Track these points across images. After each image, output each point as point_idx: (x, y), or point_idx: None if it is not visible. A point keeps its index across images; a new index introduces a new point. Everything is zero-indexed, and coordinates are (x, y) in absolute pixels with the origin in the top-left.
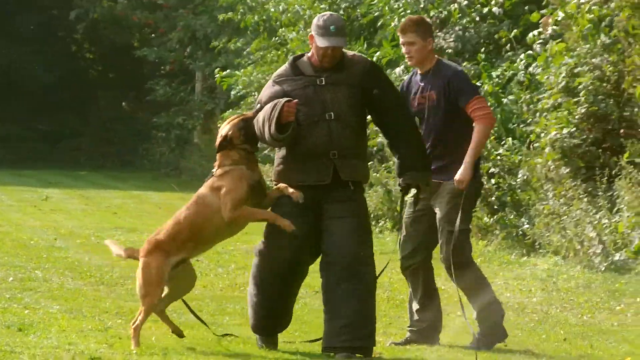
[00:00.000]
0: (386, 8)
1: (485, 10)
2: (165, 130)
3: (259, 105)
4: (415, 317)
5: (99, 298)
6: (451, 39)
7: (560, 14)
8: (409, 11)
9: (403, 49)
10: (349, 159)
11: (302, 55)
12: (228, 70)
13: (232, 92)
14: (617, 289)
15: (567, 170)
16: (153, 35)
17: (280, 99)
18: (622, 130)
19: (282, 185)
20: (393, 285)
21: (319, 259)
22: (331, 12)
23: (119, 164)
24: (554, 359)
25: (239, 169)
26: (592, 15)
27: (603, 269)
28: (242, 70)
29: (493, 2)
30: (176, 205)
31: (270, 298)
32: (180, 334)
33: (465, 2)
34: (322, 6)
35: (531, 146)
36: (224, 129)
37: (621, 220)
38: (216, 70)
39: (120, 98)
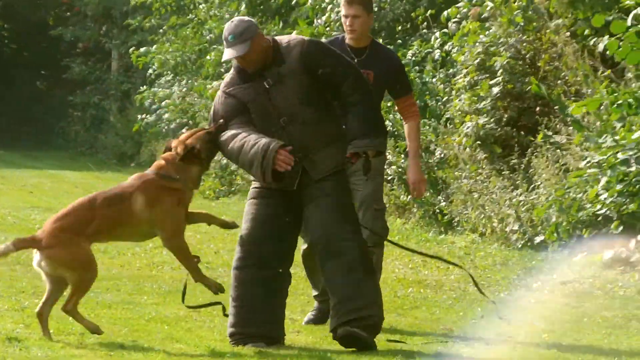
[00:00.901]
0: None
1: None
2: (81, 109)
3: (221, 120)
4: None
5: (15, 278)
6: None
7: (490, 4)
8: None
9: (346, 22)
10: (317, 154)
11: None
12: (143, 49)
13: (149, 72)
14: (533, 266)
15: (485, 155)
16: (69, 13)
17: (272, 144)
18: (537, 109)
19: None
20: None
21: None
22: (233, 19)
23: (35, 143)
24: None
25: (187, 192)
26: (521, 2)
27: (520, 246)
28: (155, 47)
29: None
30: (92, 184)
31: (247, 286)
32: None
33: None
34: None
35: (447, 124)
36: (190, 140)
37: (538, 198)
38: (131, 50)
39: (35, 76)
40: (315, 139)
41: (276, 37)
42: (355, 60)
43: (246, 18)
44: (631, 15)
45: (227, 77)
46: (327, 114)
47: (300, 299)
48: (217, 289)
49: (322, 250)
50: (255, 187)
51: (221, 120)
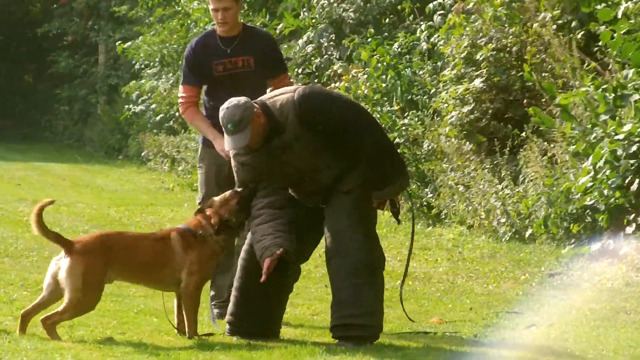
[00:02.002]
0: None
1: None
2: (67, 103)
3: (251, 185)
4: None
5: (3, 270)
6: (351, 10)
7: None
8: None
9: (217, 15)
10: (345, 179)
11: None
12: (130, 42)
13: (136, 65)
14: (521, 259)
15: (470, 146)
16: (55, 5)
17: (273, 250)
18: (525, 101)
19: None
20: None
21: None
22: (227, 105)
23: (20, 137)
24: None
25: (218, 250)
26: None
27: (507, 238)
28: (140, 38)
29: None
30: (79, 177)
31: (253, 287)
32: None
33: None
34: None
35: (434, 117)
36: (222, 210)
37: (525, 191)
38: (118, 45)
39: (21, 70)
40: (340, 172)
41: (265, 102)
42: (229, 50)
43: (240, 101)
44: (621, 7)
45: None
46: (342, 153)
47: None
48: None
49: (331, 246)
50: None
51: (250, 185)
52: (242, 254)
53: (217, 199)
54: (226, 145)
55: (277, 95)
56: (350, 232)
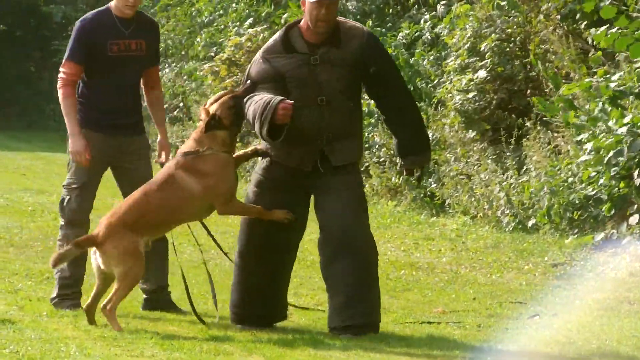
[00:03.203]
0: None
1: None
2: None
3: (248, 82)
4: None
5: (8, 260)
6: (352, 2)
7: None
8: None
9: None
10: (339, 142)
11: (294, 25)
12: None
13: None
14: (524, 249)
15: (474, 133)
16: None
17: (274, 98)
18: (528, 91)
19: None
20: (304, 246)
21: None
22: None
23: (24, 125)
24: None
25: (224, 156)
26: None
27: (511, 229)
28: None
29: None
30: None
31: (252, 273)
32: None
33: None
34: None
35: (438, 107)
36: (212, 107)
37: (529, 181)
38: None
39: (25, 57)
40: (342, 128)
41: (339, 18)
42: (127, 32)
43: None
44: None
45: (269, 43)
46: (356, 110)
47: (293, 282)
48: (287, 217)
49: (337, 245)
50: (263, 177)
51: (248, 82)
52: (239, 249)
53: (211, 97)
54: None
55: (348, 21)
56: (358, 227)
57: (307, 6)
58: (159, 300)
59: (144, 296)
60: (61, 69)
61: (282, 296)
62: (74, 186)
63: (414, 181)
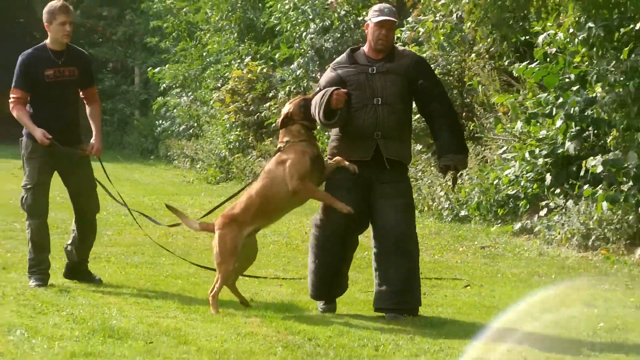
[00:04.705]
0: (283, 18)
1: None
2: (110, 114)
3: (318, 88)
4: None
5: (63, 245)
6: (330, 41)
7: (421, 30)
8: (300, 19)
9: (64, 28)
10: (392, 140)
11: (358, 47)
12: (158, 68)
13: (163, 85)
14: (460, 235)
15: (421, 146)
16: (100, 39)
17: (330, 88)
18: (464, 114)
19: (338, 158)
20: (290, 233)
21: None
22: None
23: None
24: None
25: (300, 144)
26: (445, 30)
27: (449, 220)
28: (167, 66)
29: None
30: (121, 173)
31: (326, 263)
32: (246, 304)
33: (343, 13)
34: (232, 15)
35: None
36: (286, 107)
37: (463, 183)
38: (149, 70)
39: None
40: (395, 128)
41: (396, 45)
42: (59, 62)
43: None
44: (540, 38)
45: (337, 59)
46: (407, 114)
47: (282, 260)
48: (347, 210)
49: (392, 245)
50: (339, 178)
51: (318, 88)
52: (310, 240)
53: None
54: (380, 17)
55: (403, 48)
56: (410, 233)
57: (371, 27)
58: (80, 270)
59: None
60: (11, 95)
61: (345, 276)
62: (29, 186)
63: (449, 184)
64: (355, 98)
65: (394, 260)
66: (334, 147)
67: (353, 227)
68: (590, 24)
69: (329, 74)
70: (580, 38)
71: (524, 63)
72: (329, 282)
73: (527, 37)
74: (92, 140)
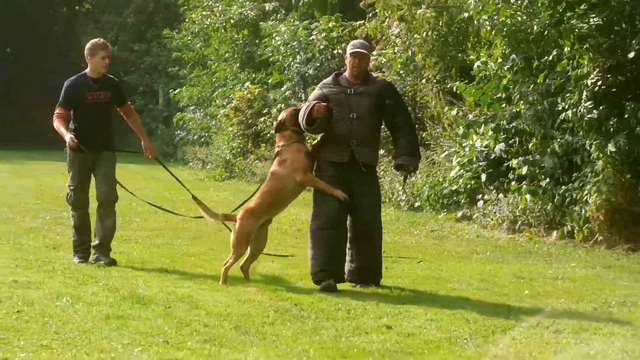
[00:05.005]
0: (275, 51)
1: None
2: None
3: (307, 102)
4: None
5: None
6: (312, 69)
7: (384, 59)
8: (289, 52)
9: (105, 61)
10: (364, 147)
11: (341, 73)
12: (178, 90)
13: (181, 103)
14: (414, 221)
15: (383, 152)
16: (132, 68)
17: (314, 101)
18: (417, 126)
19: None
20: (280, 220)
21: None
22: (359, 40)
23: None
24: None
25: (294, 145)
26: (402, 59)
27: (406, 209)
28: (185, 88)
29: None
30: (147, 172)
31: (329, 248)
32: (248, 280)
33: (322, 47)
34: (235, 48)
35: None
36: (281, 115)
37: (417, 180)
38: (170, 92)
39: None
40: (366, 137)
41: (372, 73)
42: (97, 87)
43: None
44: (475, 65)
45: (325, 80)
46: (377, 128)
47: (274, 241)
48: (343, 196)
49: (364, 231)
50: (321, 173)
51: (307, 102)
52: (314, 225)
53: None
54: (352, 50)
55: (377, 75)
56: (376, 223)
57: (348, 58)
58: (103, 252)
59: (94, 248)
60: (55, 111)
61: (343, 259)
62: (72, 187)
63: (401, 182)
64: (335, 112)
65: (363, 244)
66: (316, 148)
67: (341, 211)
68: (514, 56)
69: (316, 91)
70: (506, 68)
71: (464, 82)
72: (330, 264)
73: (466, 64)
74: (143, 144)
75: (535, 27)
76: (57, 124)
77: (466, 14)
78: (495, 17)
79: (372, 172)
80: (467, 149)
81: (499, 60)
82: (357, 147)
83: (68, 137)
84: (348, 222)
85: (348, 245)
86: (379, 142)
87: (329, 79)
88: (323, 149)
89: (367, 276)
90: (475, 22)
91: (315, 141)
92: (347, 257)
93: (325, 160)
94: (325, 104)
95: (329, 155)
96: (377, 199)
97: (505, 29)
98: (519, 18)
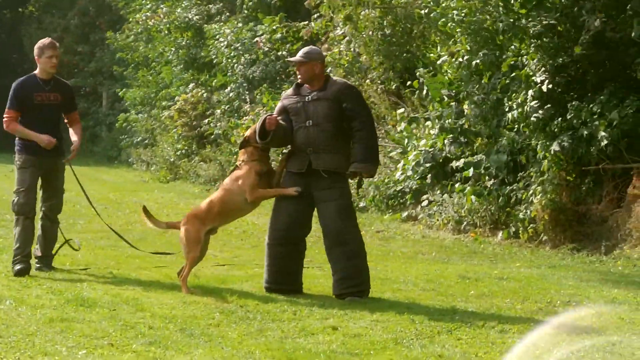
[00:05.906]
0: (219, 53)
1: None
2: (84, 130)
3: (267, 116)
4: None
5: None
6: (257, 72)
7: (329, 59)
8: (233, 54)
9: (51, 60)
10: (323, 154)
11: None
12: (124, 89)
13: (126, 104)
14: (360, 222)
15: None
16: (76, 70)
17: (266, 114)
18: None
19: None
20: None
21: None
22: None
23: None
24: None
25: (251, 162)
26: (348, 58)
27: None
28: (133, 89)
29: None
30: (92, 174)
31: (276, 262)
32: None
33: (267, 49)
34: (181, 50)
35: None
36: (247, 132)
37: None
38: (117, 90)
39: None
40: (325, 143)
41: (331, 76)
42: (46, 88)
43: (318, 49)
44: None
45: (287, 90)
46: (338, 132)
47: (219, 243)
48: (296, 191)
49: (332, 239)
50: (284, 181)
51: (267, 116)
52: (268, 240)
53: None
54: (291, 59)
55: (338, 78)
56: (345, 227)
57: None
58: (46, 263)
59: (36, 259)
60: (5, 115)
61: (299, 272)
62: (21, 190)
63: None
64: (294, 122)
65: (336, 251)
66: (283, 159)
67: (293, 227)
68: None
69: (280, 104)
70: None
71: (427, 69)
72: (276, 281)
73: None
74: (73, 146)
75: (500, 25)
76: (15, 128)
77: (423, 11)
78: (463, 13)
79: (334, 177)
80: (414, 151)
81: (465, 57)
82: (315, 154)
83: (45, 137)
84: (323, 235)
85: (328, 258)
86: (346, 146)
87: (289, 90)
88: (288, 160)
89: (347, 287)
90: (428, 18)
91: (283, 154)
92: (332, 272)
93: (288, 170)
94: (276, 115)
95: (290, 165)
96: (342, 203)
97: (472, 27)
98: (484, 16)
